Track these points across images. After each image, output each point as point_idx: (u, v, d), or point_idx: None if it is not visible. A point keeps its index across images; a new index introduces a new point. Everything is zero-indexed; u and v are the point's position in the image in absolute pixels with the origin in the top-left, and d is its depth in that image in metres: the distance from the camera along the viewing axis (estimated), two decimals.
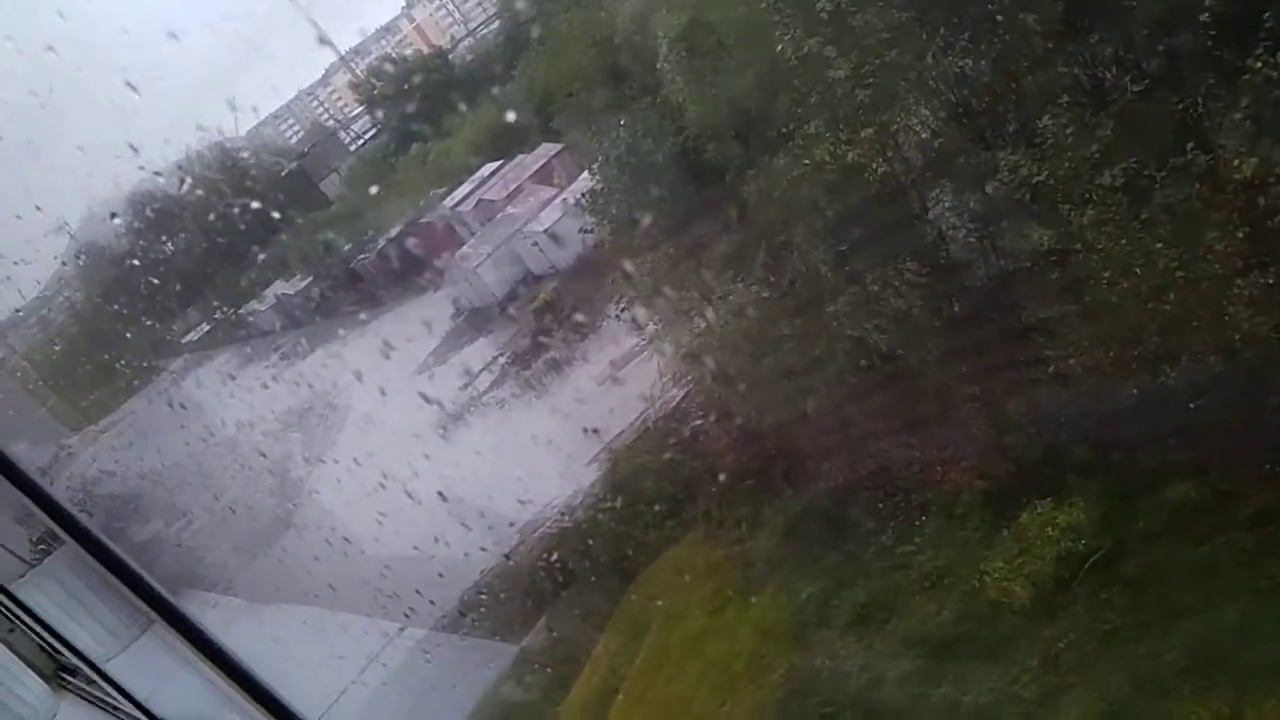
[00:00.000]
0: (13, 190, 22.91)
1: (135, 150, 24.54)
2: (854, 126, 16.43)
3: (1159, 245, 13.89)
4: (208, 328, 31.93)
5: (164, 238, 30.92)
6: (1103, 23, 14.15)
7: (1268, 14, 12.33)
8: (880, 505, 16.66)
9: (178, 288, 30.59)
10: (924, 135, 16.57)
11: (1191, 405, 13.39)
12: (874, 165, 16.23)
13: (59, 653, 4.65)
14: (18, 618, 4.59)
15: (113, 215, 29.97)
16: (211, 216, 30.73)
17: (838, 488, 17.38)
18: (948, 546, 15.42)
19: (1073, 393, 15.01)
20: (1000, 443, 15.89)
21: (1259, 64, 12.55)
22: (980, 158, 16.22)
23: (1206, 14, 12.89)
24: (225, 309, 31.24)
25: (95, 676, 4.54)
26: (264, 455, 23.60)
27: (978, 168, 16.25)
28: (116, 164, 24.51)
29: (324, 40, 30.86)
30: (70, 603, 4.74)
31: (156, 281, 30.03)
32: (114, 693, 4.55)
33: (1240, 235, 13.22)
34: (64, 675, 4.77)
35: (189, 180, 30.39)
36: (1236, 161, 13.05)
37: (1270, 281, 13.11)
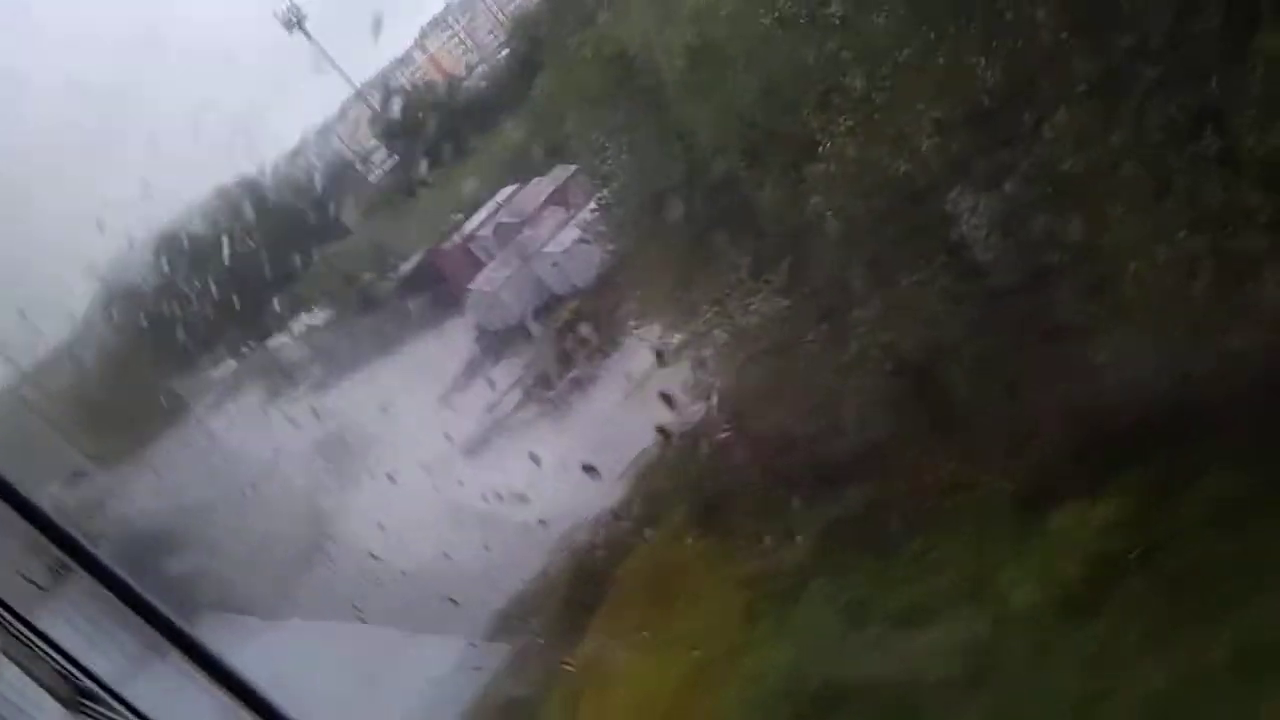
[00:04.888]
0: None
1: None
2: (871, 131, 16.46)
3: (1183, 234, 13.72)
4: (235, 364, 32.24)
5: (189, 276, 31.32)
6: (1113, 14, 14.08)
7: None
8: (911, 512, 16.45)
9: (204, 326, 30.96)
10: (938, 138, 16.49)
11: (1226, 395, 13.16)
12: (893, 168, 16.19)
13: (77, 678, 4.67)
14: (36, 645, 4.62)
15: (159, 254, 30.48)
16: (232, 253, 31.12)
17: (868, 496, 17.19)
18: (980, 552, 15.17)
19: (1104, 389, 14.79)
20: (1032, 444, 15.68)
21: (1266, 42, 12.43)
22: (997, 157, 16.11)
23: None
24: (251, 344, 31.57)
25: (113, 701, 4.55)
26: (294, 486, 23.80)
27: (996, 167, 16.15)
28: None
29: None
30: (89, 629, 4.76)
31: (182, 320, 30.41)
32: (132, 718, 4.56)
33: (1262, 219, 13.04)
34: (82, 701, 4.79)
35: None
36: (1252, 142, 12.90)
37: None
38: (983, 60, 15.61)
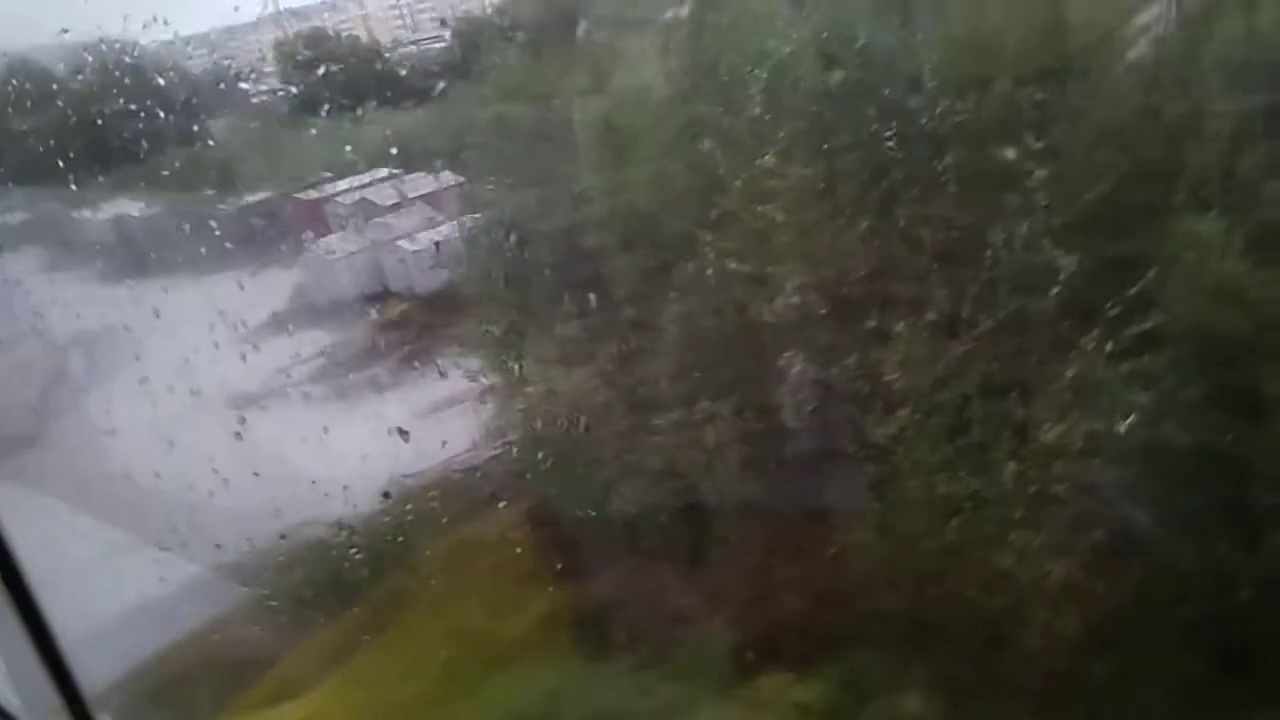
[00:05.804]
0: None
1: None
2: (752, 263, 17.17)
3: (960, 476, 14.97)
4: (26, 217, 29.51)
5: (15, 111, 28.68)
6: (975, 263, 15.41)
7: (1110, 303, 13.73)
8: (637, 626, 16.78)
9: (10, 167, 28.33)
10: (797, 299, 17.41)
11: (945, 628, 14.25)
12: (750, 305, 16.92)
13: None
14: None
15: None
16: (78, 113, 28.74)
17: (602, 597, 17.44)
18: (688, 685, 15.60)
19: (847, 580, 15.73)
20: (768, 605, 16.39)
21: (1089, 346, 13.97)
22: (837, 342, 17.14)
23: (1059, 288, 14.31)
24: (52, 205, 29.06)
25: None
26: (36, 362, 21.93)
27: (832, 350, 17.15)
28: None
29: None
30: None
31: None
32: None
33: (1030, 492, 14.41)
34: None
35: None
36: (1044, 428, 14.31)
37: (1038, 544, 14.26)
38: (861, 249, 16.73)
